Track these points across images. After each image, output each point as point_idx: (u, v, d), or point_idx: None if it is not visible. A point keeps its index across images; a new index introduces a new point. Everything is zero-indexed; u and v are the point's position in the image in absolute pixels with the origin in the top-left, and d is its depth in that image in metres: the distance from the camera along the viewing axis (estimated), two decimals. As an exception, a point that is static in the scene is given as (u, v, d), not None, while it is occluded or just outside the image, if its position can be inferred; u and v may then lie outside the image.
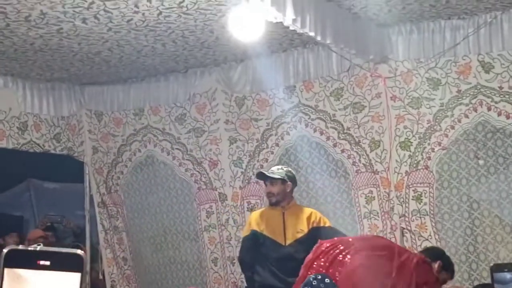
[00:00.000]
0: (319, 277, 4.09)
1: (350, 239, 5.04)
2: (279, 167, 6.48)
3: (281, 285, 6.06)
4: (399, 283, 4.76)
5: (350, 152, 7.30)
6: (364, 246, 4.93)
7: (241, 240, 6.73)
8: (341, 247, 4.86)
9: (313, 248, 5.04)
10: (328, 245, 4.96)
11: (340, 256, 4.80)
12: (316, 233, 5.88)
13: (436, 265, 5.29)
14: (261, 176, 6.43)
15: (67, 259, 1.19)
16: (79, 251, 1.20)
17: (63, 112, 8.68)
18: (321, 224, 6.20)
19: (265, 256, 6.18)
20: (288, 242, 6.11)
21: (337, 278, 4.41)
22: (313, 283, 4.07)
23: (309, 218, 6.21)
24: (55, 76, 8.21)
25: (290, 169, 6.53)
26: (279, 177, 6.24)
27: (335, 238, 5.10)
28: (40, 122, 8.47)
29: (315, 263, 4.92)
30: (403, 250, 5.26)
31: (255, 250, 6.24)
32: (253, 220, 6.34)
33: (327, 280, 4.05)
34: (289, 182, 6.29)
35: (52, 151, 8.62)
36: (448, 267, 5.46)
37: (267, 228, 6.22)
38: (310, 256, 4.99)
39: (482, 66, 6.65)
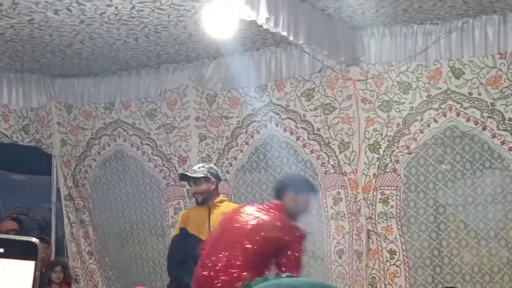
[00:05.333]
0: None
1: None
2: (201, 165, 6.31)
3: None
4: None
5: (320, 153, 7.32)
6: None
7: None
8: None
9: None
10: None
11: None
12: None
13: None
14: (184, 177, 6.34)
15: (21, 247, 1.18)
16: (33, 239, 1.18)
17: (33, 103, 8.60)
18: None
19: (189, 254, 5.94)
20: None
21: None
22: None
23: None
24: (25, 67, 8.14)
25: (212, 165, 6.39)
26: (201, 175, 6.06)
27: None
28: (8, 113, 8.39)
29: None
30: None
31: (184, 249, 6.11)
32: (181, 219, 6.27)
33: None
34: (212, 179, 6.09)
35: (20, 143, 8.54)
36: None
37: (192, 225, 6.08)
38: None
39: (453, 71, 6.70)
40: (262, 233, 4.96)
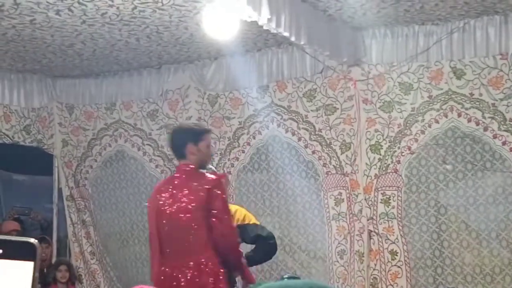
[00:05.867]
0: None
1: None
2: None
3: None
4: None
5: (321, 154, 7.32)
6: None
7: None
8: None
9: None
10: None
11: None
12: (242, 231, 5.77)
13: None
14: None
15: (20, 248, 1.18)
16: (32, 240, 1.18)
17: (34, 104, 8.60)
18: (246, 222, 6.09)
19: None
20: None
21: None
22: None
23: (233, 216, 6.12)
24: (27, 67, 8.14)
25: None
26: None
27: None
28: (10, 113, 8.39)
29: None
30: None
31: None
32: None
33: None
34: None
35: (22, 143, 8.54)
36: None
37: None
38: None
39: (454, 72, 6.70)
40: (193, 204, 4.91)
